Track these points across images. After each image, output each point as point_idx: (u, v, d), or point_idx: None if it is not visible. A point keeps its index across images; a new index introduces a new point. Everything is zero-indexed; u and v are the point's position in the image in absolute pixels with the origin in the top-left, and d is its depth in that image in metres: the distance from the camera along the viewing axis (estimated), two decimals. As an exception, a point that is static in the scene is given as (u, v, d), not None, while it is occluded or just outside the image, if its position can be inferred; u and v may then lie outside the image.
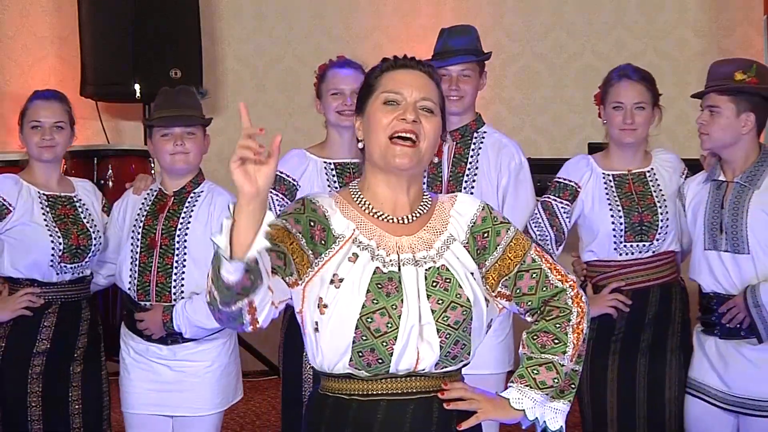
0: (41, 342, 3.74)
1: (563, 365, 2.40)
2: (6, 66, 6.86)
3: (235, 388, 3.86)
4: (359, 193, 2.40)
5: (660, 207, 3.78)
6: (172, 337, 3.70)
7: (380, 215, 2.37)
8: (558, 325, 2.41)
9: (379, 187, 2.38)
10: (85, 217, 3.84)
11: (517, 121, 7.04)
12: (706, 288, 3.68)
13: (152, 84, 6.12)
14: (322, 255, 2.31)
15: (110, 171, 5.71)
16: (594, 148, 5.06)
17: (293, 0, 7.16)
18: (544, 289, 2.42)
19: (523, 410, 2.39)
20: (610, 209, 3.77)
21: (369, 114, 2.38)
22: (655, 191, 3.81)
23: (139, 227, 3.75)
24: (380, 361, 2.27)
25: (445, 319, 2.28)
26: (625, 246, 3.77)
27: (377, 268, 2.29)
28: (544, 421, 2.41)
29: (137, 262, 3.72)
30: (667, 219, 3.77)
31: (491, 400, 2.40)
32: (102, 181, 5.58)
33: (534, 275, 2.42)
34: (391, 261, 2.32)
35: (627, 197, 3.78)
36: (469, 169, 3.88)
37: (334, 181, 3.83)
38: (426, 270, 2.32)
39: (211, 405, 3.75)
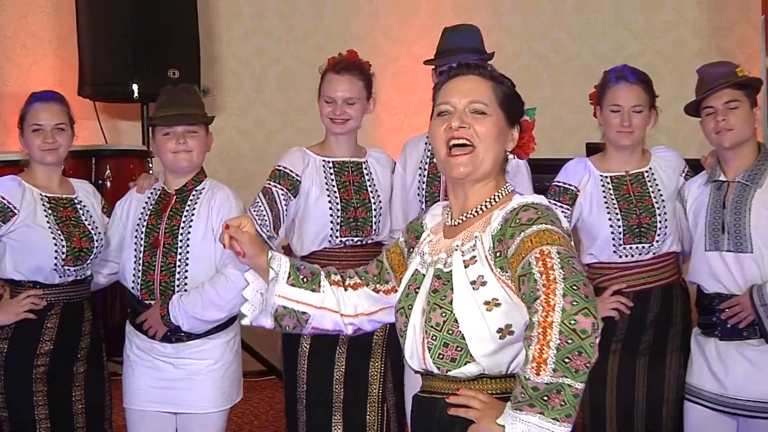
0: (44, 343, 3.71)
1: (527, 378, 2.16)
2: (4, 66, 6.85)
3: (238, 387, 3.88)
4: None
5: (658, 208, 3.76)
6: (176, 335, 3.70)
7: (448, 218, 2.50)
8: (524, 337, 2.21)
9: (449, 193, 2.52)
10: (86, 219, 3.81)
11: (516, 121, 7.02)
12: (709, 289, 3.67)
13: (150, 84, 6.11)
14: (407, 261, 2.55)
15: (108, 171, 5.69)
16: (591, 149, 5.03)
17: (292, 0, 7.16)
18: (531, 294, 2.22)
19: (503, 426, 2.21)
20: (608, 213, 3.75)
21: (430, 128, 2.49)
22: (653, 192, 3.79)
23: (143, 226, 3.77)
24: (404, 358, 2.46)
25: (428, 320, 2.35)
26: (624, 248, 3.75)
27: (416, 269, 2.46)
28: None
29: (140, 262, 3.73)
30: (666, 220, 3.76)
31: (489, 412, 2.28)
32: (100, 182, 5.56)
33: (526, 280, 2.24)
34: (426, 263, 2.45)
35: (625, 199, 3.76)
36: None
37: (332, 179, 3.88)
38: (434, 271, 2.41)
39: (214, 403, 3.77)
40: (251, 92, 7.09)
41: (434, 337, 2.33)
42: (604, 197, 3.79)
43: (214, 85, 7.00)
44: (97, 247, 3.78)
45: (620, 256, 3.75)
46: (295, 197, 3.84)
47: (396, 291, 2.54)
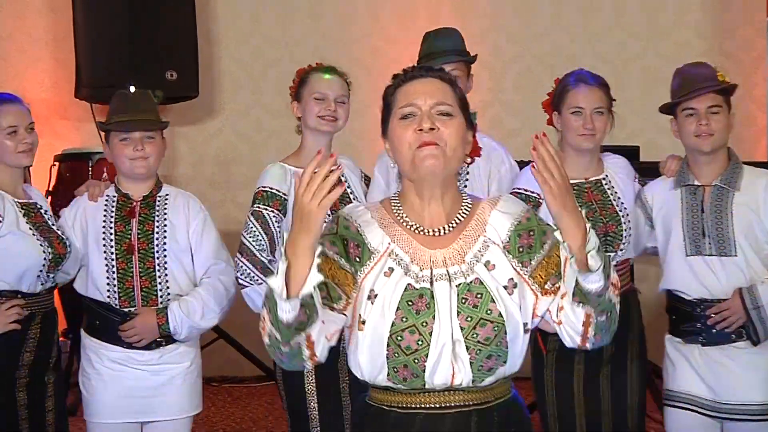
0: (26, 354, 3.60)
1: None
2: (0, 68, 6.81)
3: (200, 395, 3.82)
4: (398, 203, 2.42)
5: (622, 216, 3.72)
6: (156, 341, 3.63)
7: (416, 228, 2.38)
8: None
9: (414, 200, 2.40)
10: (53, 224, 3.69)
11: (516, 124, 6.99)
12: (692, 295, 3.63)
13: (148, 86, 6.01)
14: (359, 273, 2.32)
15: (105, 173, 5.68)
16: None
17: (290, 2, 7.12)
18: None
19: (588, 231, 2.32)
20: None
21: (390, 132, 2.39)
22: (614, 200, 3.75)
23: (110, 233, 3.66)
24: (415, 375, 2.28)
25: (474, 336, 2.28)
26: None
27: (409, 284, 2.30)
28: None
29: (115, 269, 3.63)
30: (630, 228, 3.72)
31: (570, 197, 2.31)
32: (97, 184, 5.53)
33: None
34: (423, 277, 2.31)
35: (589, 208, 3.69)
36: (460, 174, 3.83)
37: None
38: (457, 286, 2.31)
39: (189, 407, 3.73)
40: (249, 94, 7.05)
41: (479, 352, 2.28)
42: None
43: (211, 87, 6.96)
44: (68, 252, 3.66)
45: None
46: (284, 216, 3.70)
47: (348, 306, 2.31)
